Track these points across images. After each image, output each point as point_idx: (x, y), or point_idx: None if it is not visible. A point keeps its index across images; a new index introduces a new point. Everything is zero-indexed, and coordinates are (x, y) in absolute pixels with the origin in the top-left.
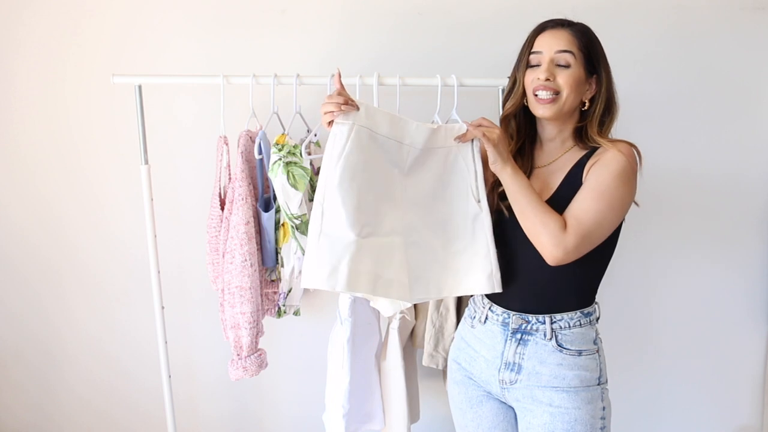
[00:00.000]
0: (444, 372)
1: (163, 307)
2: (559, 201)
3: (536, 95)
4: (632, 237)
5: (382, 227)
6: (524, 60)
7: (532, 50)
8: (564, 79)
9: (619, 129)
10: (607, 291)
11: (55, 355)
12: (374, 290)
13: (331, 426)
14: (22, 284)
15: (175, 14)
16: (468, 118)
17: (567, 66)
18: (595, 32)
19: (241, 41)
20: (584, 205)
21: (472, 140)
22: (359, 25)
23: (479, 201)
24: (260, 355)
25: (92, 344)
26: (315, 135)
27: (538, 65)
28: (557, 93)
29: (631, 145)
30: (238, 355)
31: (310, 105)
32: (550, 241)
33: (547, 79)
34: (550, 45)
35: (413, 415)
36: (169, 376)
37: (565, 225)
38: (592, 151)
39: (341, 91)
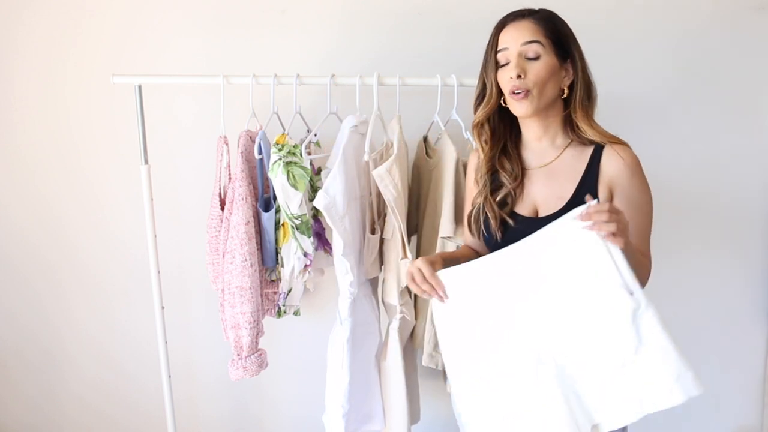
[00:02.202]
0: (444, 372)
1: (163, 307)
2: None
3: (513, 93)
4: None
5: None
6: (491, 60)
7: (498, 48)
8: (534, 73)
9: (618, 130)
10: None
11: (55, 355)
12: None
13: (331, 426)
14: (22, 284)
15: (175, 14)
16: (468, 118)
17: (537, 57)
18: (560, 15)
19: (241, 41)
20: (643, 237)
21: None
22: (359, 25)
23: (632, 293)
24: (260, 355)
25: (92, 344)
26: (315, 135)
27: (507, 63)
28: (529, 90)
29: (629, 146)
30: (239, 355)
31: (310, 105)
32: (647, 279)
33: (519, 76)
34: (515, 38)
35: (413, 415)
36: (169, 376)
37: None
38: (596, 151)
39: (436, 282)
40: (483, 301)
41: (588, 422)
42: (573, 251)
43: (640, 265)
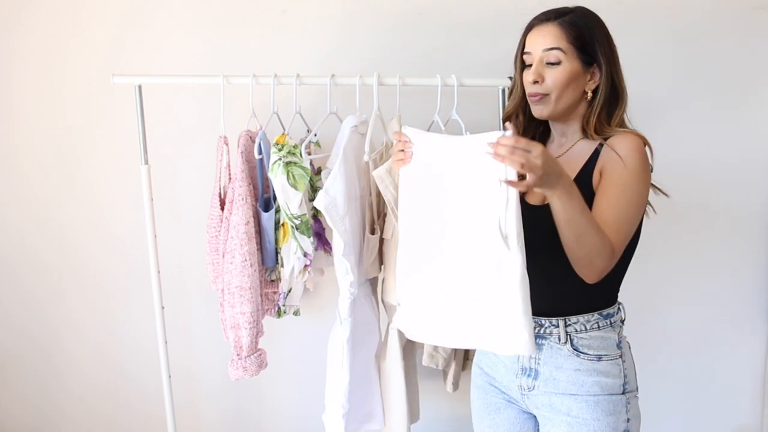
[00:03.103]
0: (444, 372)
1: (163, 307)
2: None
3: (530, 97)
4: None
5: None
6: (519, 60)
7: (524, 50)
8: (553, 79)
9: None
10: None
11: (55, 356)
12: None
13: (330, 426)
14: (22, 285)
15: (175, 14)
16: (468, 118)
17: (557, 63)
18: (594, 14)
19: (241, 41)
20: (617, 214)
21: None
22: (359, 25)
23: (506, 238)
24: (260, 355)
25: (92, 344)
26: (315, 135)
27: (530, 65)
28: (547, 94)
29: (639, 136)
30: (238, 355)
31: (310, 105)
32: (604, 265)
33: (535, 81)
34: (538, 43)
35: (413, 415)
36: (169, 377)
37: (611, 241)
38: (599, 148)
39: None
40: (427, 176)
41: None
42: (482, 169)
43: (591, 235)
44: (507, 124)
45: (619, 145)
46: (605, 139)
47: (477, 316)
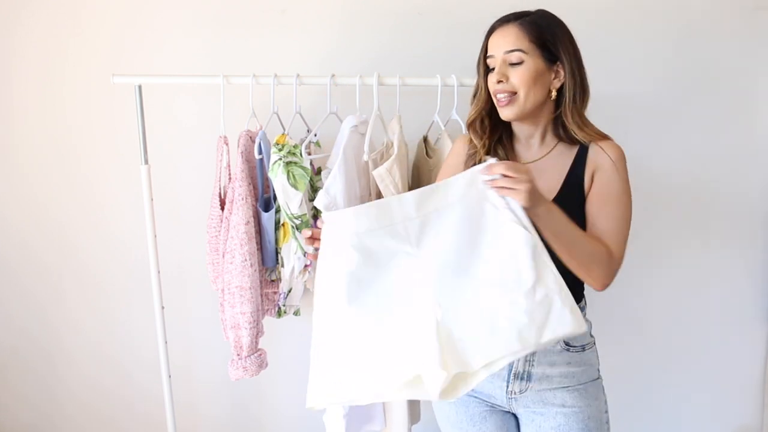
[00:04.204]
0: None
1: (163, 307)
2: (561, 206)
3: (497, 98)
4: (631, 238)
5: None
6: (482, 64)
7: (487, 54)
8: (518, 78)
9: (616, 129)
10: (606, 292)
11: (55, 356)
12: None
13: (331, 426)
14: (22, 285)
15: (175, 14)
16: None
17: (519, 63)
18: (554, 15)
19: (241, 41)
20: (616, 224)
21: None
22: (359, 25)
23: (527, 229)
24: (260, 355)
25: (91, 345)
26: (315, 135)
27: (494, 68)
28: (514, 93)
29: (613, 141)
30: (238, 355)
31: (310, 105)
32: (603, 271)
33: (500, 81)
34: (499, 46)
35: (414, 415)
36: (169, 377)
37: (608, 249)
38: (582, 150)
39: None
40: (363, 248)
41: (459, 367)
42: (470, 203)
43: (581, 244)
44: (488, 157)
45: (609, 157)
46: (583, 143)
47: (513, 320)
